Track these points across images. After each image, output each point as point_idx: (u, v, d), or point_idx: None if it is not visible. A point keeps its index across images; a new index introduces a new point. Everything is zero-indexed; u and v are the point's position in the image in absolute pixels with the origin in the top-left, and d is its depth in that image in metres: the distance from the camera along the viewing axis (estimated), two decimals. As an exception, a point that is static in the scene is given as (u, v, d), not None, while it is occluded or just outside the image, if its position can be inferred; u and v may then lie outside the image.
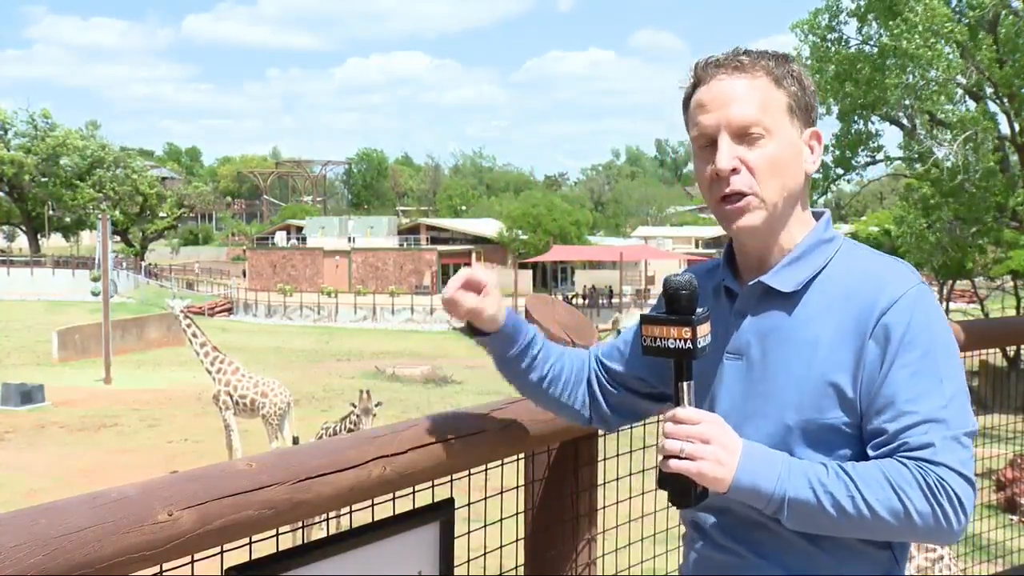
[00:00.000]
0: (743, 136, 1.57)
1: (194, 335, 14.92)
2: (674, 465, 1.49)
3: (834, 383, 1.53)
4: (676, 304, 1.52)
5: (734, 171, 1.57)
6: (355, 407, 11.16)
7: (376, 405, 11.27)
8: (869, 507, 1.44)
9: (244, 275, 66.03)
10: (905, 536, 1.50)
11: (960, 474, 1.45)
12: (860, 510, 1.44)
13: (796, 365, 1.57)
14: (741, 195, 1.58)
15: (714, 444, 1.48)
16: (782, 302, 1.61)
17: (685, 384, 1.54)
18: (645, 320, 1.56)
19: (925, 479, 1.43)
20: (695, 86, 1.64)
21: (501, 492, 2.16)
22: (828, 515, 1.46)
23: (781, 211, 1.60)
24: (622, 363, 1.85)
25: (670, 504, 1.58)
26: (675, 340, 1.52)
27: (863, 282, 1.56)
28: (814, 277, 1.60)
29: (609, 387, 1.85)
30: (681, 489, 1.52)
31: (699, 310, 1.52)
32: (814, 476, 1.47)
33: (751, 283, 1.64)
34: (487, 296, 1.69)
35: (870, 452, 1.51)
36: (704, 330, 1.52)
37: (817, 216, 1.69)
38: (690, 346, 1.50)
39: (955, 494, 1.44)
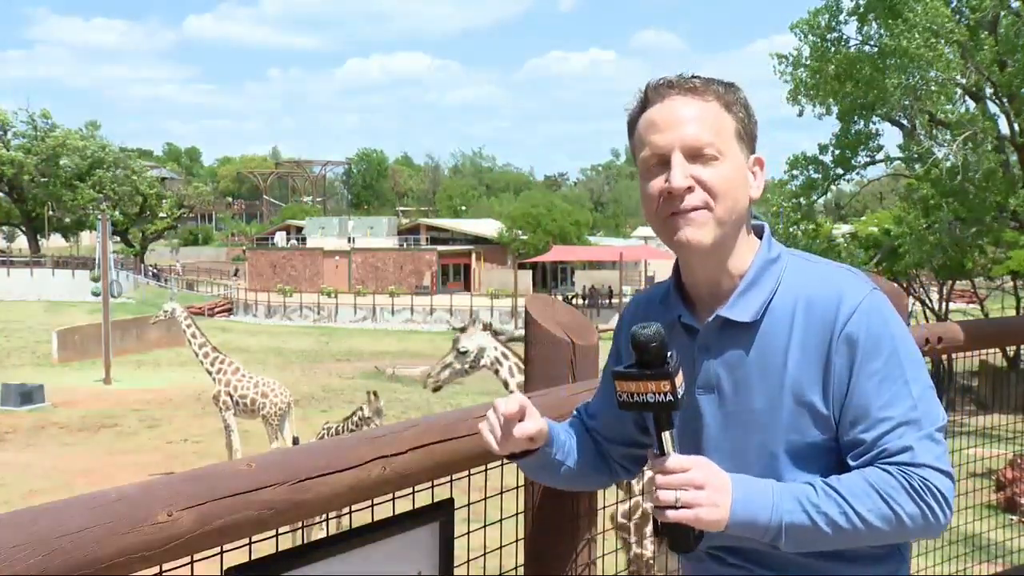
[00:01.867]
0: (696, 156, 1.58)
1: (193, 336, 14.91)
2: (672, 516, 1.49)
3: (808, 401, 1.56)
4: (647, 356, 1.49)
5: (689, 189, 1.58)
6: (361, 410, 11.11)
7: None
8: (862, 519, 1.47)
9: (235, 274, 66.02)
10: (896, 539, 1.54)
11: (939, 470, 1.49)
12: (854, 524, 1.47)
13: (768, 392, 1.58)
14: (694, 211, 1.58)
15: (707, 488, 1.49)
16: (743, 332, 1.61)
17: (668, 433, 1.53)
18: (618, 376, 1.53)
19: (910, 482, 1.48)
20: (643, 107, 1.64)
21: (501, 492, 2.16)
22: (824, 534, 1.48)
23: (728, 232, 1.61)
24: (612, 423, 1.84)
25: (674, 551, 1.58)
26: (654, 394, 1.50)
27: (818, 296, 1.57)
28: (769, 301, 1.61)
29: (613, 445, 1.85)
30: (680, 535, 1.52)
31: (670, 356, 1.49)
32: (805, 498, 1.49)
33: (710, 319, 1.63)
34: (532, 416, 1.67)
35: (851, 462, 1.53)
36: (681, 379, 1.50)
37: (758, 233, 1.69)
38: (671, 398, 1.49)
39: (938, 491, 1.48)
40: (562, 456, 1.77)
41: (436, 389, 8.27)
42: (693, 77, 1.64)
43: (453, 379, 7.86)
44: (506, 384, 6.90)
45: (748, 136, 1.65)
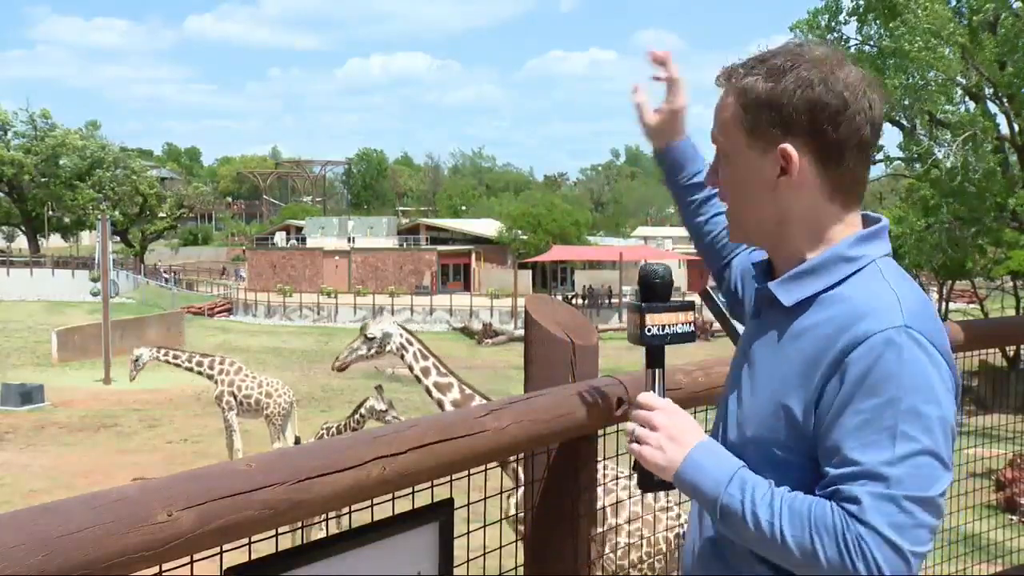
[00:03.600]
0: (718, 154, 1.61)
1: (175, 357, 14.90)
2: (628, 447, 1.58)
3: (788, 410, 1.48)
4: (649, 292, 1.61)
5: (713, 184, 1.63)
6: (366, 403, 11.02)
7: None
8: (782, 537, 1.41)
9: (222, 273, 65.98)
10: (814, 572, 1.41)
11: (885, 539, 1.33)
12: (774, 536, 1.42)
13: (769, 381, 1.54)
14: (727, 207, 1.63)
15: (661, 432, 1.55)
16: (783, 313, 1.55)
17: (654, 371, 1.64)
18: (629, 308, 1.67)
19: (844, 532, 1.35)
20: None
21: (501, 492, 2.16)
22: (749, 531, 1.45)
23: (770, 230, 1.57)
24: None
25: (637, 486, 1.65)
26: (632, 326, 1.62)
27: (845, 313, 1.45)
28: (817, 295, 1.51)
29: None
30: (643, 472, 1.60)
31: (672, 301, 1.61)
32: (749, 492, 1.46)
33: (760, 288, 1.61)
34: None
35: (817, 492, 1.44)
36: (657, 319, 1.59)
37: (868, 224, 1.56)
38: (638, 332, 1.60)
39: (872, 558, 1.33)
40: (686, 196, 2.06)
41: (341, 370, 9.13)
42: (739, 64, 1.56)
43: (359, 361, 8.61)
44: (411, 368, 7.27)
45: (774, 125, 1.50)
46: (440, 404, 6.89)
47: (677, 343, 1.62)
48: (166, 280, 62.42)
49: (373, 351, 8.25)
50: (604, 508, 5.46)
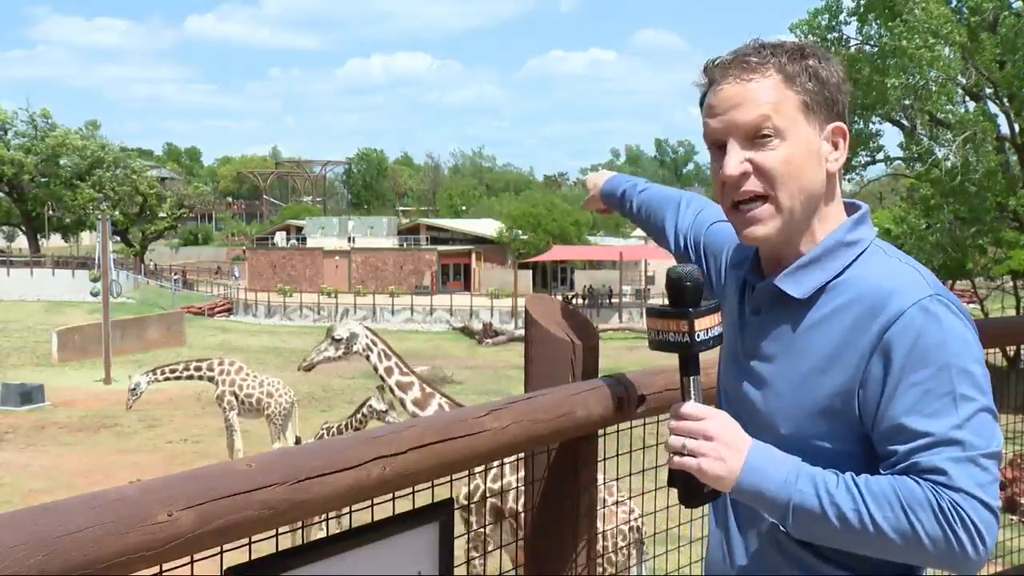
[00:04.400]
0: (752, 138, 1.51)
1: (172, 371, 14.88)
2: (677, 462, 1.47)
3: (827, 401, 1.48)
4: (680, 296, 1.48)
5: (744, 176, 1.52)
6: (369, 403, 11.03)
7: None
8: (875, 524, 1.37)
9: (216, 272, 65.92)
10: (917, 560, 1.41)
11: (977, 499, 1.35)
12: (865, 526, 1.37)
13: (796, 374, 1.52)
14: (754, 200, 1.52)
15: (717, 441, 1.46)
16: (793, 307, 1.54)
17: (691, 379, 1.51)
18: (649, 313, 1.53)
19: (938, 501, 1.34)
20: (708, 87, 1.58)
21: (501, 492, 2.16)
22: (832, 527, 1.40)
23: (799, 216, 1.53)
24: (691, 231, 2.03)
25: (680, 504, 1.55)
26: (675, 334, 1.48)
27: (870, 294, 1.46)
28: (827, 283, 1.52)
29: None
30: (689, 488, 1.49)
31: (705, 303, 1.48)
32: (822, 485, 1.41)
33: (762, 284, 1.59)
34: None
35: (883, 472, 1.42)
36: (706, 323, 1.47)
37: (851, 212, 1.60)
38: (687, 339, 1.47)
39: (971, 520, 1.34)
40: (629, 211, 2.26)
41: (307, 370, 9.42)
42: (751, 50, 1.54)
43: (326, 362, 8.84)
44: (375, 368, 7.50)
45: (821, 106, 1.52)
46: (402, 402, 7.04)
47: (716, 346, 1.53)
48: (174, 280, 62.43)
49: (340, 352, 8.47)
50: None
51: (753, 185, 1.52)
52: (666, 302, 1.53)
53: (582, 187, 2.56)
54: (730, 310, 1.67)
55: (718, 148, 1.55)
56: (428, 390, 7.00)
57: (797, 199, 1.52)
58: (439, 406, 6.85)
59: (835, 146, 1.55)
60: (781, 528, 1.49)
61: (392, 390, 7.17)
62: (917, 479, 1.37)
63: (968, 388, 1.40)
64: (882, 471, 1.42)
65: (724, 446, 1.46)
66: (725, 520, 1.68)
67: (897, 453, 1.40)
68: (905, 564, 1.48)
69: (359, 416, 10.87)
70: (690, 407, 1.49)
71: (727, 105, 1.52)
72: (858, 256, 1.53)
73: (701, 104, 1.60)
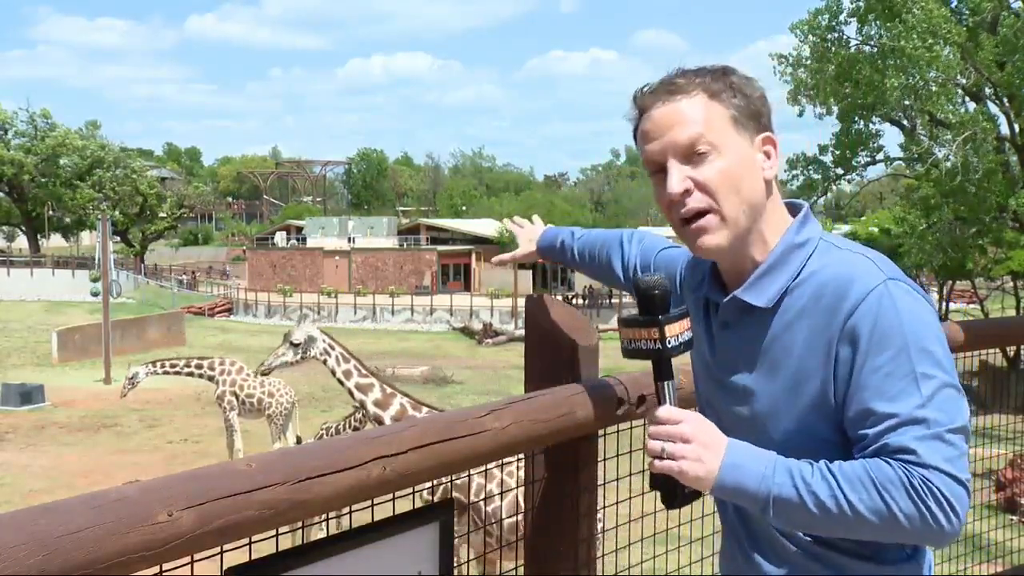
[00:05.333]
0: (689, 156, 1.56)
1: (172, 366, 14.88)
2: (657, 465, 1.52)
3: (809, 394, 1.53)
4: (649, 304, 1.54)
5: (686, 192, 1.56)
6: (363, 413, 11.05)
7: None
8: (852, 507, 1.42)
9: (208, 271, 65.93)
10: (895, 537, 1.47)
11: (947, 473, 1.40)
12: (843, 510, 1.42)
13: (776, 378, 1.57)
14: (700, 214, 1.57)
15: (694, 443, 1.51)
16: (759, 315, 1.59)
17: (665, 384, 1.56)
18: (621, 323, 1.58)
19: (909, 480, 1.40)
20: (639, 115, 1.63)
21: (502, 492, 2.16)
22: (811, 513, 1.45)
23: (745, 225, 1.58)
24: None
25: (664, 505, 1.59)
26: (646, 341, 1.54)
27: (828, 287, 1.52)
28: (788, 286, 1.57)
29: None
30: (669, 489, 1.54)
31: (674, 310, 1.54)
32: (798, 475, 1.46)
33: (727, 299, 1.64)
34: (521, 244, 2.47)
35: (855, 456, 1.48)
36: (676, 329, 1.53)
37: (794, 212, 1.65)
38: (659, 346, 1.52)
39: (942, 495, 1.39)
40: (569, 260, 2.34)
41: (265, 374, 9.52)
42: (676, 75, 1.60)
43: (284, 366, 8.91)
44: (333, 372, 7.51)
45: (749, 118, 1.59)
46: (363, 404, 7.03)
47: (687, 351, 1.58)
48: (180, 281, 62.45)
49: (298, 356, 8.51)
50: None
51: (696, 201, 1.57)
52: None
53: (511, 232, 2.63)
54: (697, 331, 1.69)
55: (659, 172, 1.60)
56: (389, 391, 7.00)
57: (740, 208, 1.57)
58: (400, 406, 6.83)
59: (767, 155, 1.61)
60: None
61: (352, 393, 7.16)
62: (888, 460, 1.42)
63: (928, 367, 1.45)
64: (855, 455, 1.48)
65: (702, 447, 1.51)
66: (735, 521, 1.71)
67: (867, 437, 1.46)
68: (912, 548, 1.56)
69: (359, 416, 10.87)
70: (666, 411, 1.55)
71: (661, 127, 1.58)
72: (811, 255, 1.58)
73: (635, 136, 1.66)
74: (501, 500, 5.52)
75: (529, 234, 2.48)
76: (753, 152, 1.59)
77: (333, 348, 7.75)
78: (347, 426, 11.03)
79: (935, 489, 1.39)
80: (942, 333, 1.50)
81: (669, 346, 1.52)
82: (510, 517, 5.57)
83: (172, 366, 14.84)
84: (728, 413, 1.64)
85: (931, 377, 1.44)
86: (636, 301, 1.56)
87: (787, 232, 1.61)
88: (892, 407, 1.44)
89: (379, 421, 6.83)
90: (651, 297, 1.53)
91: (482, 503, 5.50)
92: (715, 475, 1.50)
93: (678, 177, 1.56)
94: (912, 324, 1.46)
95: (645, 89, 1.63)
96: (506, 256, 2.53)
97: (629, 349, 1.56)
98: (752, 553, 1.67)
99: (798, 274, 1.57)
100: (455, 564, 1.88)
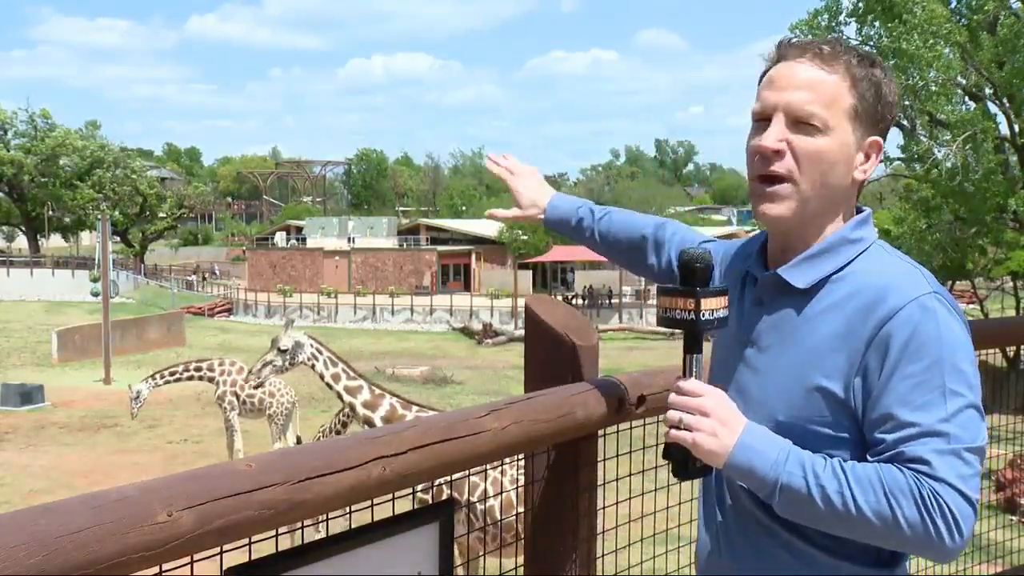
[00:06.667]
0: (798, 123, 1.55)
1: (172, 374, 14.84)
2: (673, 435, 1.53)
3: (824, 388, 1.52)
4: (690, 276, 1.54)
5: (777, 153, 1.56)
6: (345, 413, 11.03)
7: None
8: (857, 507, 1.42)
9: (196, 270, 65.91)
10: (896, 545, 1.47)
11: (958, 490, 1.40)
12: (848, 508, 1.42)
13: (793, 363, 1.57)
14: (779, 179, 1.57)
15: (712, 417, 1.51)
16: (795, 297, 1.59)
17: (693, 356, 1.57)
18: (660, 292, 1.59)
19: (919, 489, 1.40)
20: (775, 61, 1.63)
21: (501, 492, 2.16)
22: (817, 508, 1.45)
23: (815, 207, 1.58)
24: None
25: (673, 476, 1.60)
26: (681, 311, 1.54)
27: (870, 288, 1.52)
28: (829, 276, 1.57)
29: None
30: (681, 460, 1.55)
31: (715, 284, 1.55)
32: (810, 467, 1.46)
33: (767, 274, 1.64)
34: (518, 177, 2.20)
35: (870, 459, 1.48)
36: (712, 303, 1.53)
37: (856, 214, 1.65)
38: (693, 317, 1.52)
39: (949, 510, 1.39)
40: (586, 237, 2.15)
41: (258, 386, 9.50)
42: (828, 42, 1.60)
43: (274, 374, 8.83)
44: (322, 376, 7.48)
45: (869, 117, 1.58)
46: (352, 407, 7.03)
47: (721, 328, 1.58)
48: (188, 282, 62.43)
49: (287, 362, 8.50)
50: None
51: (782, 165, 1.56)
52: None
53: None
54: (729, 302, 1.69)
55: (762, 120, 1.60)
56: (378, 392, 6.99)
57: (818, 191, 1.57)
58: (390, 406, 6.83)
59: (867, 157, 1.61)
60: (763, 512, 1.56)
61: (341, 396, 7.14)
62: (901, 467, 1.42)
63: (958, 384, 1.45)
64: (869, 458, 1.48)
65: (719, 423, 1.51)
66: (715, 514, 1.71)
67: (885, 442, 1.46)
68: (890, 552, 1.56)
69: (345, 411, 10.78)
70: (690, 384, 1.55)
71: (789, 82, 1.57)
72: (861, 253, 1.59)
73: (760, 78, 1.65)
74: (486, 502, 5.56)
75: (532, 194, 2.19)
76: (856, 148, 1.59)
77: (321, 352, 7.74)
78: (337, 423, 10.93)
79: (944, 503, 1.39)
80: (975, 357, 1.51)
81: (703, 319, 1.52)
82: (491, 514, 5.61)
83: (172, 374, 14.77)
84: (740, 390, 1.64)
85: (959, 395, 1.44)
86: (678, 271, 1.56)
87: (844, 227, 1.61)
88: (915, 416, 1.44)
89: (369, 423, 6.82)
90: (693, 270, 1.53)
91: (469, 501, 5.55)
92: (728, 452, 1.50)
93: (778, 134, 1.56)
94: (950, 340, 1.47)
95: (793, 40, 1.62)
96: (501, 212, 2.28)
97: (664, 317, 1.57)
98: (730, 549, 1.67)
99: (843, 267, 1.57)
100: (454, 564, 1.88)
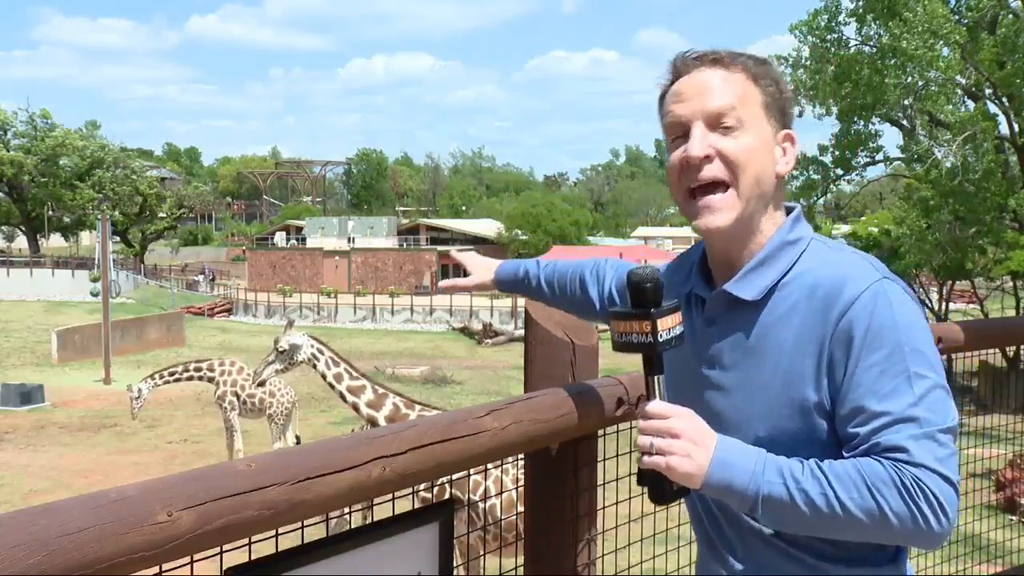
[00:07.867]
0: (717, 125, 1.56)
1: (172, 374, 14.84)
2: (646, 461, 1.50)
3: (799, 392, 1.51)
4: (641, 297, 1.51)
5: (707, 159, 1.55)
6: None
7: None
8: (843, 506, 1.40)
9: (184, 269, 65.74)
10: (884, 538, 1.45)
11: (938, 473, 1.39)
12: (833, 509, 1.40)
13: (762, 375, 1.55)
14: (714, 185, 1.56)
15: (684, 439, 1.48)
16: (748, 311, 1.58)
17: (655, 378, 1.54)
18: (612, 316, 1.55)
19: (901, 479, 1.38)
20: (672, 80, 1.63)
21: (500, 492, 2.16)
22: (801, 513, 1.43)
23: (752, 209, 1.57)
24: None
25: (651, 502, 1.56)
26: (638, 335, 1.51)
27: (821, 285, 1.51)
28: (777, 282, 1.56)
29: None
30: (656, 485, 1.51)
31: (666, 304, 1.50)
32: (788, 473, 1.44)
33: (715, 292, 1.62)
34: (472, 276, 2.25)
35: (845, 455, 1.46)
36: (667, 323, 1.50)
37: (788, 213, 1.65)
38: (651, 340, 1.49)
39: (933, 495, 1.38)
40: (532, 293, 2.20)
41: (260, 385, 9.54)
42: (720, 50, 1.62)
43: (275, 374, 8.88)
44: (324, 377, 7.45)
45: (778, 110, 1.61)
46: (356, 407, 7.01)
47: (679, 345, 1.54)
48: (198, 281, 62.42)
49: (287, 363, 8.52)
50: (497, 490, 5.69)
51: (714, 170, 1.56)
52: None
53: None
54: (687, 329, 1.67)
55: (679, 137, 1.59)
56: (381, 391, 6.98)
57: (754, 191, 1.57)
58: (394, 406, 6.82)
59: (784, 151, 1.63)
60: (751, 519, 1.53)
61: (344, 396, 7.13)
62: (879, 459, 1.41)
63: (921, 367, 1.45)
64: (845, 454, 1.46)
65: (691, 443, 1.48)
66: (711, 527, 1.69)
67: (859, 435, 1.45)
68: (892, 552, 1.55)
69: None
70: (656, 406, 1.52)
71: (697, 90, 1.58)
72: (802, 253, 1.58)
73: (661, 100, 1.65)
74: (486, 501, 5.58)
75: (484, 263, 2.30)
76: (774, 143, 1.61)
77: (322, 352, 7.70)
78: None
79: (926, 489, 1.38)
80: (931, 335, 1.50)
81: (661, 339, 1.49)
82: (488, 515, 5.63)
83: (172, 374, 14.77)
84: (710, 413, 1.60)
85: (923, 377, 1.44)
86: (628, 294, 1.53)
87: (780, 229, 1.61)
88: (885, 405, 1.43)
89: (373, 422, 6.82)
90: (644, 290, 1.50)
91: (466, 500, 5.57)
92: (704, 472, 1.47)
93: (702, 141, 1.55)
94: (906, 324, 1.47)
95: (687, 54, 1.63)
96: (457, 281, 2.28)
97: (620, 342, 1.54)
98: (725, 555, 1.65)
99: (788, 271, 1.56)
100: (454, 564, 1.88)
